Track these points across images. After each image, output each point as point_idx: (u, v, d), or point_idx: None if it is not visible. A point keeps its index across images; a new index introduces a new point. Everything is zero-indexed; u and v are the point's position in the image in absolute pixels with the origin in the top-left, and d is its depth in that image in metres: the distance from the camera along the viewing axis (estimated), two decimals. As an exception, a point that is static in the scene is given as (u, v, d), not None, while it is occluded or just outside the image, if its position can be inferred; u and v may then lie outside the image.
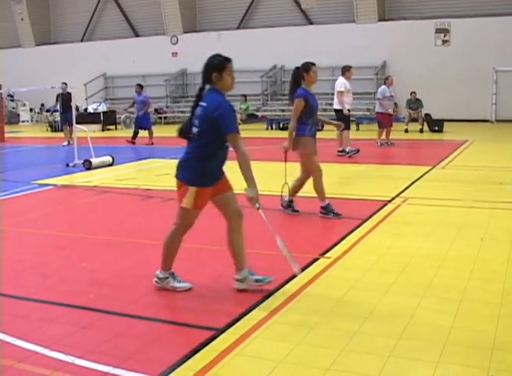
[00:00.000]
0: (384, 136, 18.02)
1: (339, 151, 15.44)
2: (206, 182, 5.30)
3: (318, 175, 8.50)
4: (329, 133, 20.36)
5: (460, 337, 4.40)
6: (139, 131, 20.58)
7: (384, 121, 17.90)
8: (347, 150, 15.20)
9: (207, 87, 5.36)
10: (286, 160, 8.47)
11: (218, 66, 5.26)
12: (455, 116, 26.08)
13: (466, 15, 27.51)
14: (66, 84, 20.67)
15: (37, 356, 4.24)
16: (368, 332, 4.52)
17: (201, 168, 5.27)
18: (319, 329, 4.61)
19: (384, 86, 18.58)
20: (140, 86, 21.20)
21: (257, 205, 5.24)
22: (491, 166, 13.22)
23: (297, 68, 8.62)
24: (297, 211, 8.70)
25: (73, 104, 16.38)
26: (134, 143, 20.25)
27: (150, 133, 20.49)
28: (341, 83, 15.31)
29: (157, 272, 5.56)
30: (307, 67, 8.53)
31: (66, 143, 20.22)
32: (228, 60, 5.32)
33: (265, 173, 13.07)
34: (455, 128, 23.31)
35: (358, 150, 15.34)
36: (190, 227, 5.51)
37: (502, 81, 27.04)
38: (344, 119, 15.12)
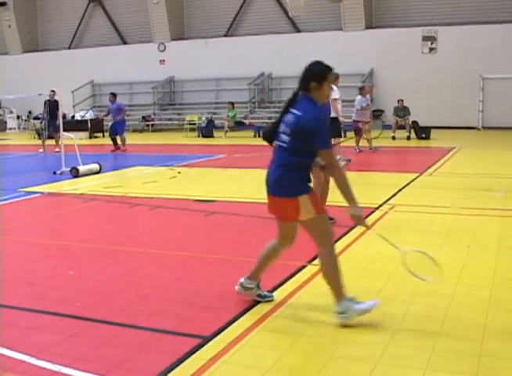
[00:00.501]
0: (360, 143, 18.21)
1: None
2: (308, 188, 4.98)
3: (314, 183, 8.48)
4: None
5: (448, 343, 4.42)
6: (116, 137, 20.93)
7: (361, 128, 17.90)
8: (337, 158, 15.12)
9: (301, 93, 4.96)
10: None
11: (318, 75, 4.90)
12: (442, 123, 26.21)
13: (453, 23, 27.69)
14: (54, 91, 20.65)
15: (24, 364, 4.21)
16: (355, 339, 4.53)
17: (300, 175, 4.93)
18: (306, 336, 4.61)
19: (359, 96, 18.60)
20: (113, 95, 21.55)
21: (365, 224, 5.10)
22: (478, 173, 13.28)
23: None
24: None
25: (60, 112, 16.35)
26: (119, 149, 20.44)
27: (122, 139, 20.83)
28: (336, 90, 15.17)
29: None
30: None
31: (41, 150, 20.60)
32: (329, 70, 4.98)
33: (254, 181, 13.11)
34: (442, 135, 23.41)
35: (349, 160, 15.27)
36: (333, 233, 5.15)
37: (488, 88, 27.22)
38: (336, 127, 15.09)
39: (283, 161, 4.92)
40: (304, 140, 4.80)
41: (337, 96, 15.18)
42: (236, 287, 5.37)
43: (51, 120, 20.41)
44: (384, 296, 5.46)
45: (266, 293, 5.42)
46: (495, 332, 4.62)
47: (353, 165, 15.00)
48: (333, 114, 15.23)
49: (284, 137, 4.92)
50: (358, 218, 4.92)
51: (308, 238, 7.89)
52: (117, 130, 20.85)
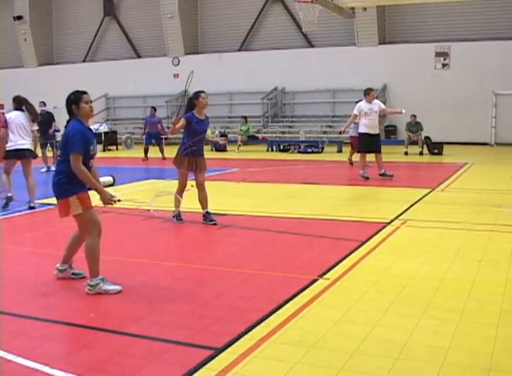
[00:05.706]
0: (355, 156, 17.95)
1: (380, 174, 15.19)
2: (79, 188, 6.36)
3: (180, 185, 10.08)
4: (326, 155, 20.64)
5: (458, 358, 4.44)
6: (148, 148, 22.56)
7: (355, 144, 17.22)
8: (361, 172, 15.06)
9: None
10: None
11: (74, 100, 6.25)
12: (454, 139, 26.20)
13: (466, 39, 27.71)
14: (44, 103, 19.73)
15: (38, 373, 4.27)
16: (366, 352, 4.56)
17: (71, 179, 6.29)
18: (317, 349, 4.64)
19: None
20: (154, 109, 24.07)
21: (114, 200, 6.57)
22: (490, 189, 13.27)
23: (191, 98, 10.06)
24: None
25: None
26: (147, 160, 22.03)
27: (161, 150, 22.60)
28: (357, 106, 15.22)
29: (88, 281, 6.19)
30: (196, 95, 9.96)
31: (45, 170, 18.66)
32: (80, 93, 6.28)
33: (267, 195, 13.17)
34: (454, 150, 23.40)
35: (367, 177, 15.11)
36: (99, 225, 6.62)
37: (501, 104, 27.19)
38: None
39: (57, 169, 6.33)
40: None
41: (356, 112, 15.17)
42: (54, 272, 6.64)
43: (43, 134, 18.76)
44: (395, 310, 5.49)
45: (79, 271, 6.67)
46: (505, 347, 4.63)
47: (365, 180, 14.99)
48: (362, 130, 15.23)
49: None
50: (108, 198, 6.53)
51: (319, 252, 7.95)
52: (152, 140, 22.63)
